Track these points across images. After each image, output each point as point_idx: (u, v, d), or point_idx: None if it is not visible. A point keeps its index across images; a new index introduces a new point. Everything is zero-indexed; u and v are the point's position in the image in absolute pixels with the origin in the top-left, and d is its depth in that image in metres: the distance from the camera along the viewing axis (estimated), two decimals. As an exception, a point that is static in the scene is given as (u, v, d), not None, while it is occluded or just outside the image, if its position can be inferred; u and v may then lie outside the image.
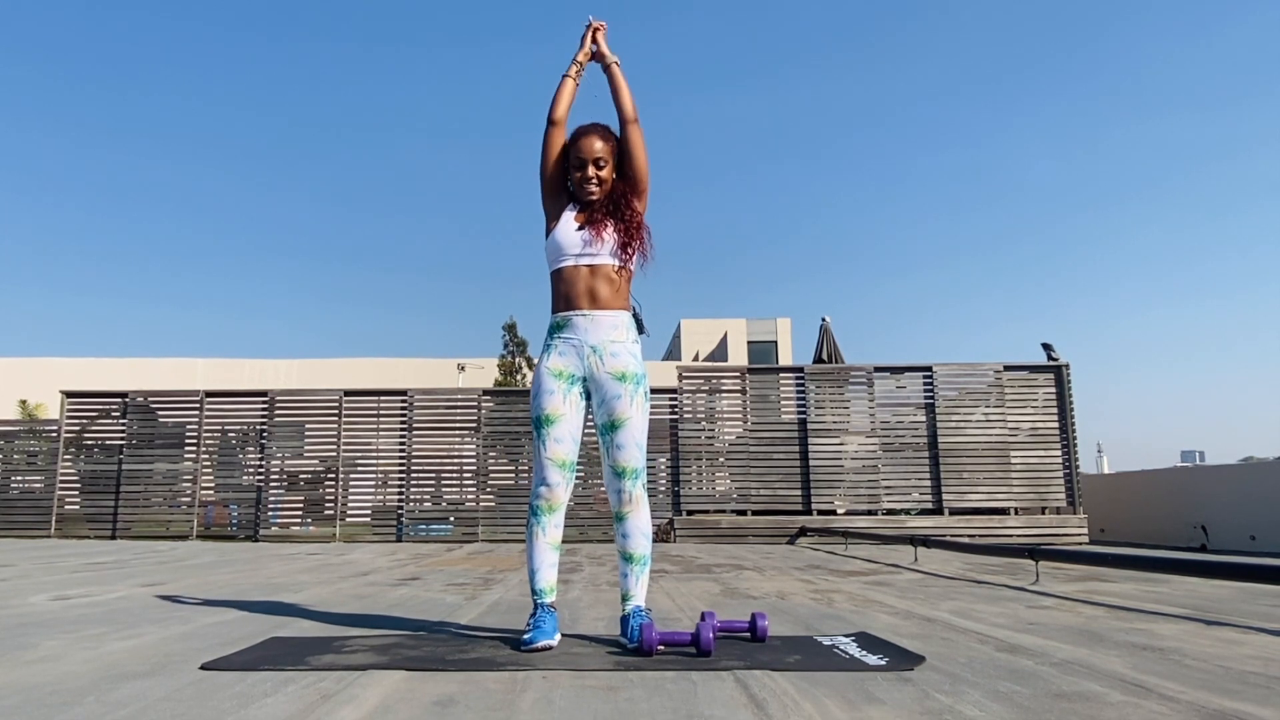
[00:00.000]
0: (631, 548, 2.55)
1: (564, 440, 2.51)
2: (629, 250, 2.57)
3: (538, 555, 2.51)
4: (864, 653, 2.39)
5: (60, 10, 49.07)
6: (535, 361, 2.63)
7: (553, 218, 2.63)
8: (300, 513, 10.34)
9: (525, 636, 2.42)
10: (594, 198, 2.60)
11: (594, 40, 2.71)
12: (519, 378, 22.03)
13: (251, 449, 10.37)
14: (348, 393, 10.39)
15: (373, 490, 10.25)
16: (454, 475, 10.19)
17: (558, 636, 2.46)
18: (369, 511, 10.23)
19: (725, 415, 10.09)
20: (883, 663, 2.24)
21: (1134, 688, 1.98)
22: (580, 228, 2.57)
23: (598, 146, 2.58)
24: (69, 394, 10.60)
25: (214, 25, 52.53)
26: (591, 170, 2.57)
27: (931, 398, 9.80)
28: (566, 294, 2.55)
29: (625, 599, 2.54)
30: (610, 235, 2.56)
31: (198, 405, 10.39)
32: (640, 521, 2.55)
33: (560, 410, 2.51)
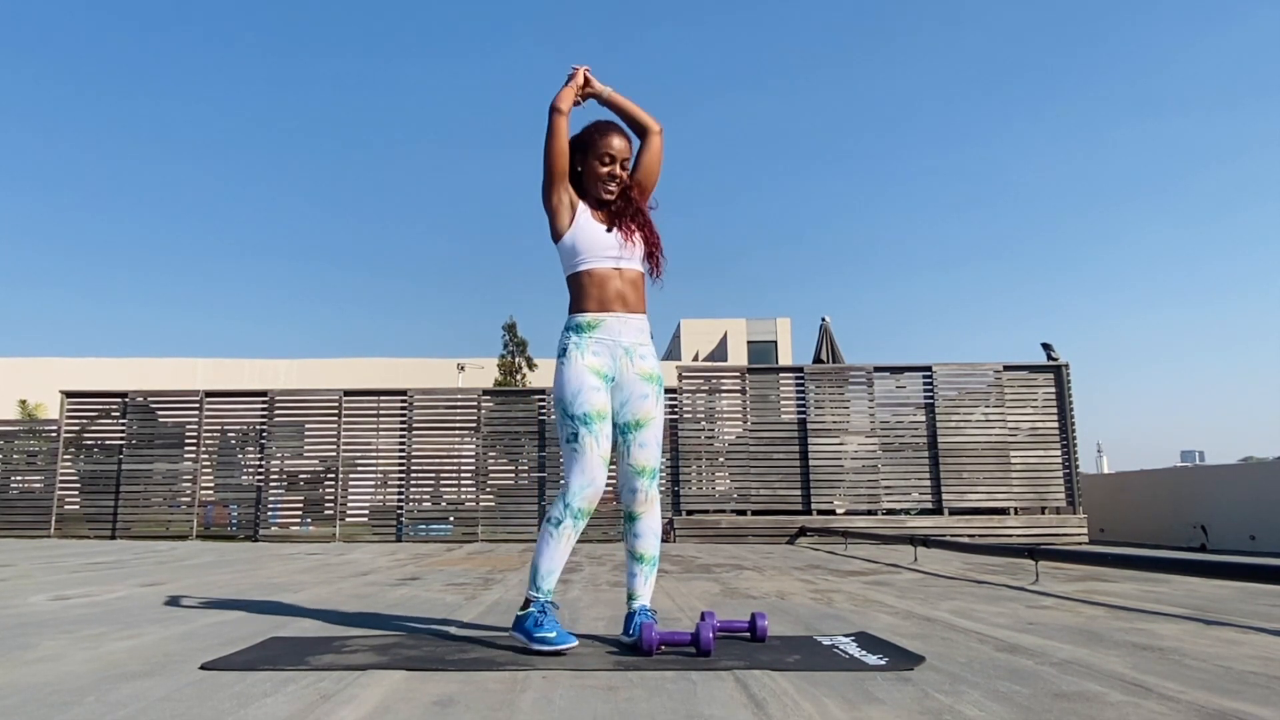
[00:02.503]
0: (643, 548, 2.54)
1: (610, 437, 2.49)
2: (654, 260, 2.60)
3: (560, 557, 2.42)
4: (864, 653, 2.39)
5: (62, 10, 49.08)
6: (563, 361, 2.56)
7: (563, 213, 2.55)
8: (300, 513, 10.34)
9: (550, 636, 2.33)
10: (612, 196, 2.59)
11: (586, 83, 2.64)
12: (519, 378, 22.03)
13: (251, 449, 10.37)
14: (348, 393, 10.39)
15: (372, 490, 10.25)
16: (453, 475, 10.20)
17: None
18: (368, 511, 10.24)
19: (725, 415, 10.09)
20: (883, 663, 2.24)
21: (1134, 688, 1.98)
22: (609, 229, 2.56)
23: (623, 145, 2.59)
24: (69, 394, 10.59)
25: (216, 28, 52.55)
26: (618, 169, 2.58)
27: (931, 398, 9.79)
28: (599, 295, 2.52)
29: (632, 598, 2.53)
30: (638, 242, 2.57)
31: (197, 405, 10.39)
32: (653, 522, 2.55)
33: (607, 407, 2.48)
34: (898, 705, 1.81)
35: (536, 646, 2.34)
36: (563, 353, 2.51)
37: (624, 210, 2.59)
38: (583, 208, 2.58)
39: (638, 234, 2.56)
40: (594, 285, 2.53)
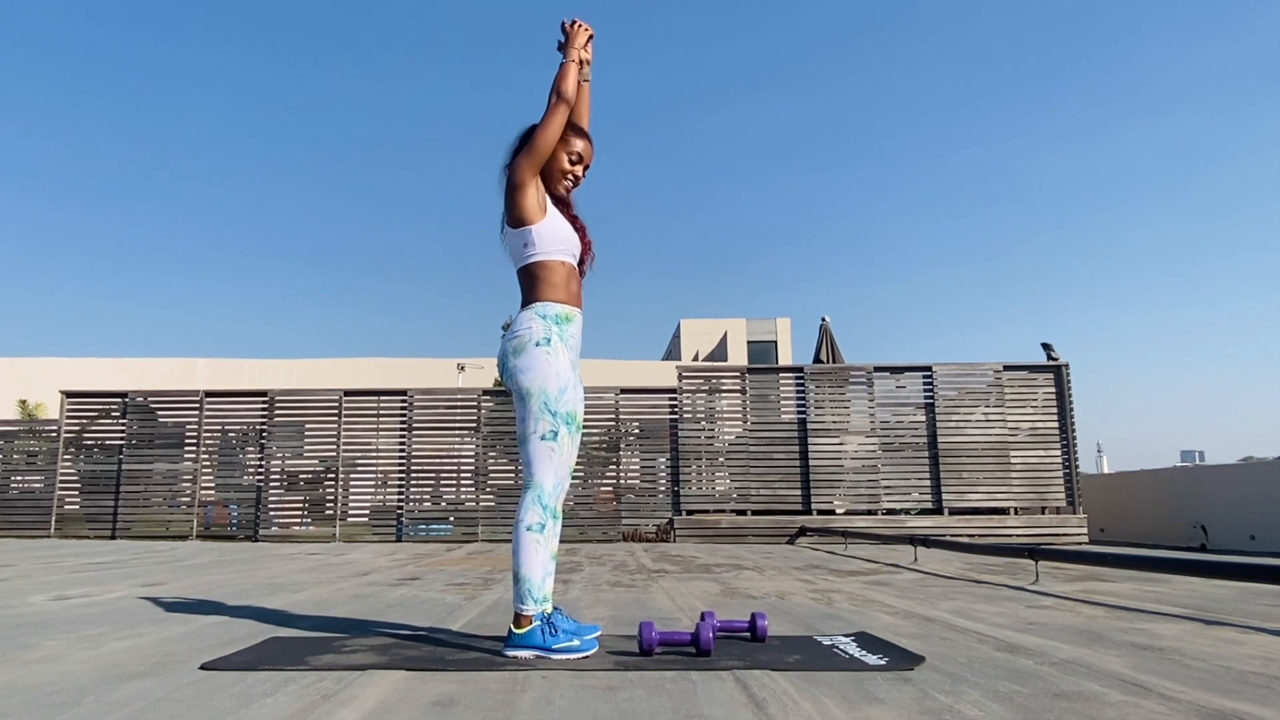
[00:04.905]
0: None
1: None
2: (583, 267, 2.60)
3: (549, 561, 2.35)
4: (864, 653, 2.39)
5: (62, 10, 49.08)
6: (547, 351, 2.40)
7: (539, 204, 2.46)
8: (300, 513, 10.34)
9: (575, 644, 2.28)
10: (568, 192, 2.58)
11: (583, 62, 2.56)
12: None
13: (251, 449, 10.37)
14: (348, 393, 10.39)
15: (373, 490, 10.26)
16: (453, 475, 10.20)
17: None
18: (368, 511, 10.24)
19: (725, 415, 10.09)
20: (882, 663, 2.24)
21: (1134, 688, 1.98)
22: (570, 229, 2.55)
23: (589, 151, 2.58)
24: (69, 394, 10.60)
25: (215, 28, 52.55)
26: (583, 171, 2.59)
27: (931, 398, 9.80)
28: (568, 288, 2.48)
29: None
30: (587, 246, 2.60)
31: (198, 405, 10.39)
32: None
33: (581, 410, 2.48)
34: (898, 705, 1.81)
35: (560, 657, 2.26)
36: (546, 341, 2.38)
37: (577, 217, 2.61)
38: (550, 201, 2.53)
39: (588, 239, 2.59)
40: (564, 278, 2.48)
